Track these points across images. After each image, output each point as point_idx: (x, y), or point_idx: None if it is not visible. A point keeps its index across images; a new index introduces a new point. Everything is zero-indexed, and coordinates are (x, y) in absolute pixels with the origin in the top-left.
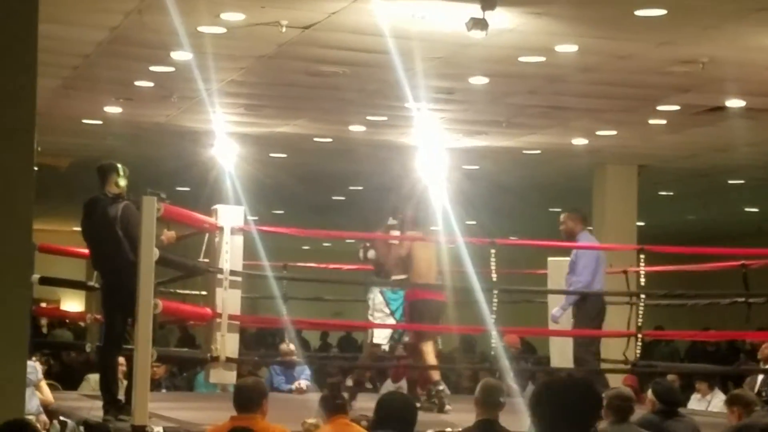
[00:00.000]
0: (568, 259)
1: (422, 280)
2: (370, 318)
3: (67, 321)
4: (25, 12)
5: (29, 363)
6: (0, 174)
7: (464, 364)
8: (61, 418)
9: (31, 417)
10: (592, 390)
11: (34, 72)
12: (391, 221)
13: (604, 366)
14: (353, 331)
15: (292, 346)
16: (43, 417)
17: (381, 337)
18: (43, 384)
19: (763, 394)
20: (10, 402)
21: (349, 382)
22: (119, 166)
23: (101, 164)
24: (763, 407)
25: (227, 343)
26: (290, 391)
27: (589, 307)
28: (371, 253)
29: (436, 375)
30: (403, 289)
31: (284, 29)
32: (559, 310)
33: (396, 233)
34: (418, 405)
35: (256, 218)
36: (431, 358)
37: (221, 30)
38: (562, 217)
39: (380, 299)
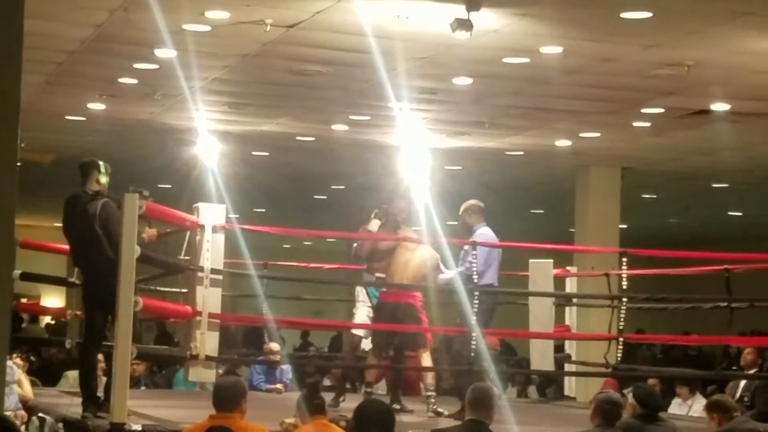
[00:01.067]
0: (549, 261)
1: (395, 281)
2: (354, 310)
3: (49, 317)
4: (10, 8)
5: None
6: None
7: (444, 366)
8: (40, 414)
9: (9, 413)
10: None
11: (18, 68)
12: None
13: (585, 369)
14: (334, 330)
15: (275, 346)
16: (22, 412)
17: (360, 331)
18: (24, 379)
19: (745, 399)
20: None
21: (327, 382)
22: (101, 163)
23: (83, 161)
24: (744, 413)
25: (207, 342)
26: (269, 390)
27: (484, 301)
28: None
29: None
30: (378, 288)
31: (269, 28)
32: (446, 276)
33: (374, 226)
34: (397, 407)
35: (237, 216)
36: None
37: (206, 28)
38: (461, 209)
39: (364, 292)
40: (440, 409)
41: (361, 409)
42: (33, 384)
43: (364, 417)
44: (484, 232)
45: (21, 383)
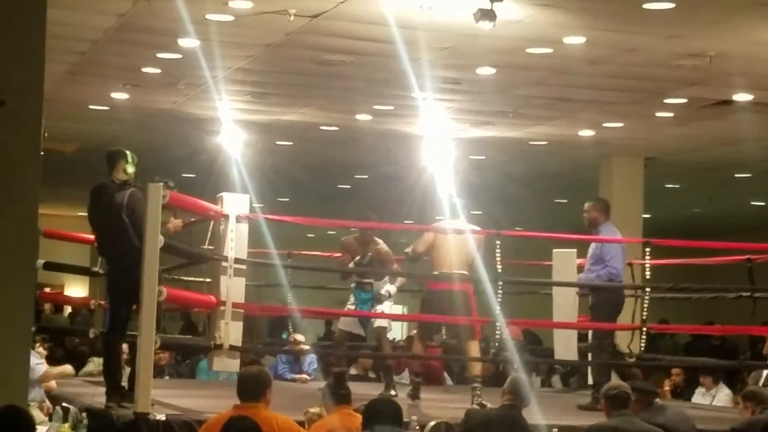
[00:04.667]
0: (573, 250)
1: (438, 271)
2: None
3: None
4: None
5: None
6: (7, 159)
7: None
8: (64, 404)
9: (34, 404)
10: None
11: (42, 57)
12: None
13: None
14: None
15: (300, 337)
16: (47, 404)
17: (344, 324)
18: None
19: None
20: (13, 388)
21: (353, 371)
22: (128, 152)
23: (110, 150)
24: None
25: (231, 331)
26: (293, 380)
27: (611, 299)
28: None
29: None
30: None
31: (292, 18)
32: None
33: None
34: (393, 393)
35: (261, 205)
36: (417, 349)
37: (229, 18)
38: (586, 205)
39: (352, 301)
40: (485, 402)
41: (371, 406)
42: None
43: (374, 413)
44: (610, 230)
45: (47, 376)
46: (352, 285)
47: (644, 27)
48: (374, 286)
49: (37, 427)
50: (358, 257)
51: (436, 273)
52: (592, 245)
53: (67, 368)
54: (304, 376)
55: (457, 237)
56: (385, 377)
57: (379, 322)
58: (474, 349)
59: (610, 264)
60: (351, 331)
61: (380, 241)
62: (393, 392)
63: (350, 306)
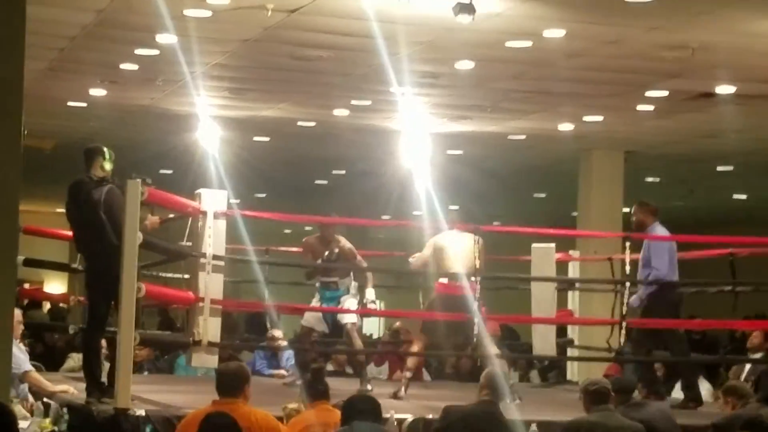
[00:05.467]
0: (552, 245)
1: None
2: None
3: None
4: None
5: (17, 354)
6: None
7: (448, 351)
8: (45, 400)
9: (16, 400)
10: None
11: (22, 54)
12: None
13: (588, 354)
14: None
15: (278, 332)
16: (30, 400)
17: (307, 320)
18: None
19: (750, 383)
20: None
21: (330, 368)
22: (105, 149)
23: (88, 147)
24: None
25: (209, 327)
26: (271, 375)
27: (667, 298)
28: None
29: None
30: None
31: (270, 13)
32: (636, 299)
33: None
34: (369, 388)
35: (238, 201)
36: (415, 347)
37: (207, 13)
38: (633, 209)
39: (317, 296)
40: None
41: (350, 402)
42: (37, 369)
43: (353, 409)
44: (658, 232)
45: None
46: (317, 284)
47: (625, 19)
48: (339, 284)
49: (19, 422)
50: (326, 253)
51: (442, 280)
52: (642, 248)
53: (69, 388)
54: (282, 371)
55: (457, 246)
56: (359, 373)
57: (347, 318)
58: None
59: (656, 266)
60: (314, 327)
61: (341, 238)
62: (369, 387)
63: (315, 304)
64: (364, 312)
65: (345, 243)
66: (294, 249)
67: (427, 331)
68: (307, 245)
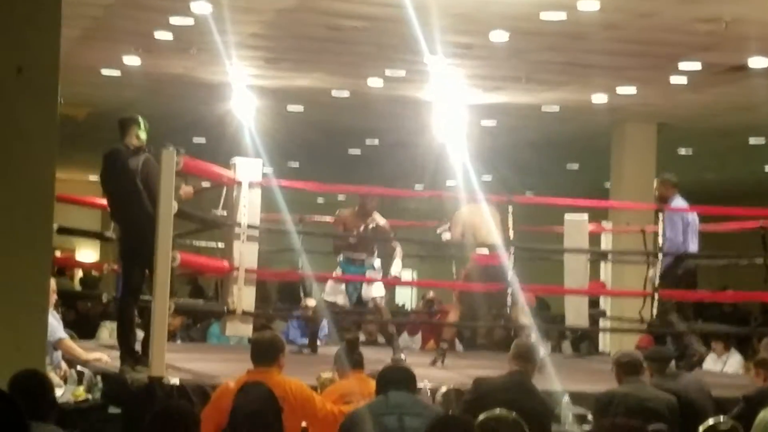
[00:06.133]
0: (584, 216)
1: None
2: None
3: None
4: None
5: (52, 321)
6: (24, 125)
7: (480, 322)
8: (78, 368)
9: (50, 367)
10: None
11: (58, 24)
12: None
13: (620, 325)
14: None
15: (312, 302)
16: (64, 367)
17: (330, 295)
18: (73, 345)
19: None
20: (31, 352)
21: (362, 337)
22: (140, 118)
23: (122, 117)
24: None
25: (244, 296)
26: (305, 345)
27: (681, 267)
28: (446, 236)
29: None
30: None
31: None
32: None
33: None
34: (403, 357)
35: (271, 170)
36: (451, 317)
37: None
38: (655, 183)
39: (339, 271)
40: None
41: (384, 372)
42: (70, 337)
43: (388, 378)
44: (677, 204)
45: (63, 345)
46: (340, 258)
47: None
48: (365, 262)
49: (54, 390)
50: (362, 227)
51: (480, 250)
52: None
53: (103, 357)
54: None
55: (482, 217)
56: (391, 343)
57: (375, 293)
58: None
59: (669, 237)
60: (336, 302)
61: (378, 215)
62: (402, 356)
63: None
64: (391, 282)
65: (381, 220)
66: (327, 218)
67: (463, 300)
68: (340, 218)
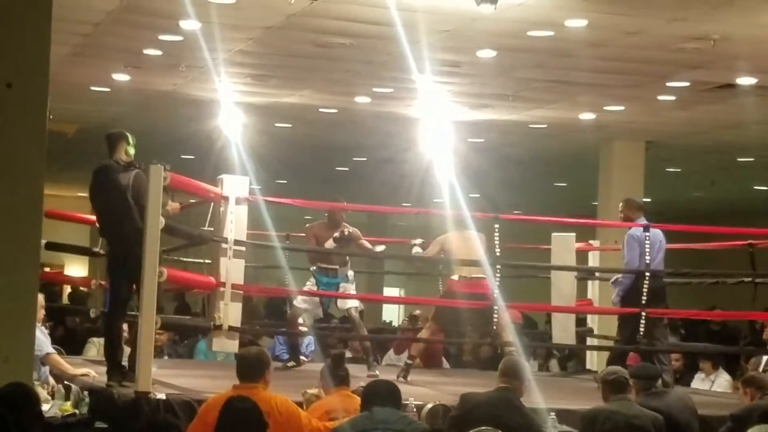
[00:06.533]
0: (572, 234)
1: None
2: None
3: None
4: None
5: (39, 336)
6: (13, 140)
7: (466, 339)
8: (66, 383)
9: (38, 382)
10: None
11: (48, 40)
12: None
13: (607, 343)
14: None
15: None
16: (51, 382)
17: (302, 303)
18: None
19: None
20: (19, 366)
21: (349, 354)
22: (128, 134)
23: (110, 132)
24: None
25: (230, 312)
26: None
27: (641, 289)
28: (416, 249)
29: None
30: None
31: (293, 1)
32: (616, 297)
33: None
34: (376, 374)
35: (259, 187)
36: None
37: (230, 0)
38: (620, 205)
39: (312, 281)
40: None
41: (370, 388)
42: (58, 353)
43: (373, 394)
44: (634, 229)
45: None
46: (313, 268)
47: (647, 10)
48: (338, 272)
49: (41, 405)
50: (336, 234)
51: (454, 277)
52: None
53: (90, 372)
54: (302, 357)
55: (465, 243)
56: (367, 358)
57: (350, 303)
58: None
59: (627, 258)
60: (307, 308)
61: (346, 224)
62: (376, 372)
63: (311, 288)
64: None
65: (351, 228)
66: None
67: (438, 320)
68: (311, 231)
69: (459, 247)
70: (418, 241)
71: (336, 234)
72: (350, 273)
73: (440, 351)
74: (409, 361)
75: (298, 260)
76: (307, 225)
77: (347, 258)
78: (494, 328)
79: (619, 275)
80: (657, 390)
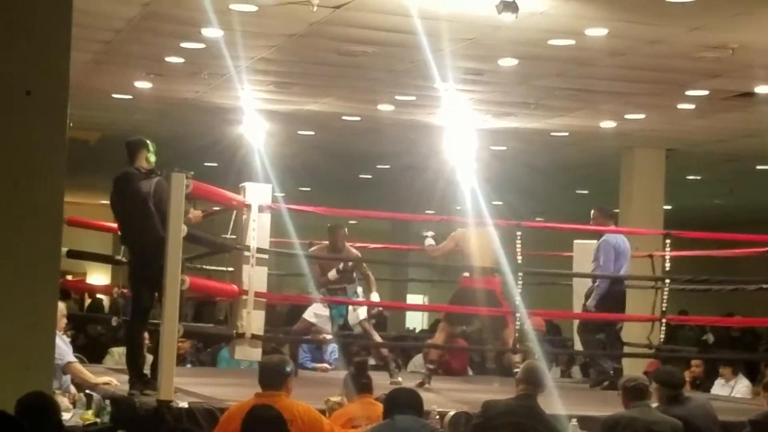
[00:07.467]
0: (594, 241)
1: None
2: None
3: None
4: None
5: (60, 345)
6: (33, 148)
7: (489, 346)
8: (87, 391)
9: (59, 391)
10: None
11: (68, 47)
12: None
13: (628, 350)
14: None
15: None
16: (73, 391)
17: (311, 315)
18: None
19: None
20: (39, 375)
21: (372, 362)
22: (148, 141)
23: (130, 140)
24: None
25: (253, 320)
26: (314, 369)
27: (613, 294)
28: (429, 241)
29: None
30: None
31: (315, 8)
32: (591, 302)
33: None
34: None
35: (282, 195)
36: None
37: (252, 8)
38: (592, 213)
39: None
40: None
41: (392, 396)
42: (80, 361)
43: (395, 402)
44: (610, 234)
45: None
46: (322, 290)
47: (666, 19)
48: (347, 290)
49: (62, 413)
50: (341, 265)
51: (466, 274)
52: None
53: (112, 380)
54: (325, 365)
55: (482, 241)
56: (387, 365)
57: (361, 316)
58: (508, 338)
59: (601, 263)
60: (315, 323)
61: (349, 246)
62: (398, 379)
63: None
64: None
65: (352, 250)
66: None
67: (449, 319)
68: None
69: (476, 245)
70: (431, 233)
71: (340, 266)
72: (359, 289)
73: (464, 359)
74: (430, 366)
75: None
76: (311, 249)
77: (354, 276)
78: (514, 333)
79: (595, 284)
80: (679, 396)
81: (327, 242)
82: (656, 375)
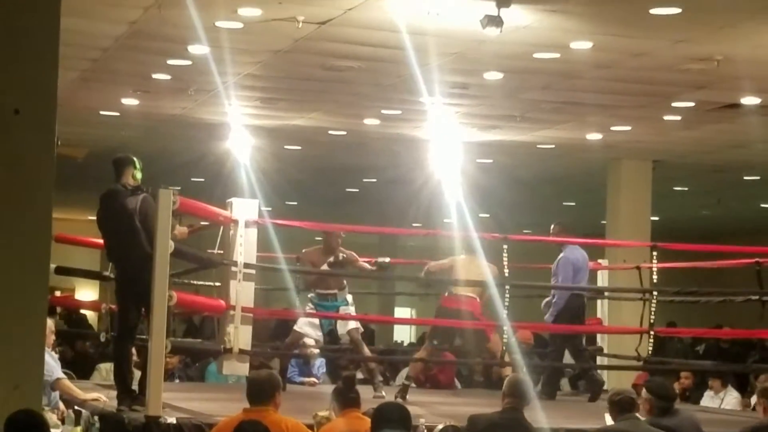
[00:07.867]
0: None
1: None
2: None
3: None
4: (47, 5)
5: (49, 361)
6: (21, 166)
7: (477, 359)
8: (76, 407)
9: (48, 408)
10: None
11: (55, 65)
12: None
13: (617, 362)
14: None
15: (309, 340)
16: (61, 407)
17: (302, 325)
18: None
19: None
20: (28, 392)
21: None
22: (135, 158)
23: (117, 157)
24: None
25: (240, 335)
26: (302, 383)
27: (570, 307)
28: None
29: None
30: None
31: (300, 25)
32: (549, 317)
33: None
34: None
35: (269, 209)
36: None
37: (238, 25)
38: (553, 228)
39: (311, 306)
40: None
41: (379, 410)
42: (68, 377)
43: (382, 417)
44: (569, 250)
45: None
46: (311, 294)
47: (651, 32)
48: (338, 296)
49: (51, 430)
50: (331, 258)
51: (446, 294)
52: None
53: (101, 396)
54: (313, 379)
55: (470, 271)
56: (372, 379)
57: (351, 325)
58: (495, 351)
59: (561, 277)
60: (308, 334)
61: (342, 249)
62: (382, 393)
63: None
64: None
65: (348, 251)
66: None
67: (432, 338)
68: (306, 257)
69: (463, 272)
70: (387, 259)
71: (331, 259)
72: (349, 297)
73: (452, 372)
74: (406, 382)
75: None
76: (304, 251)
77: (345, 282)
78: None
79: (552, 298)
80: (670, 409)
81: (321, 246)
82: (649, 387)
